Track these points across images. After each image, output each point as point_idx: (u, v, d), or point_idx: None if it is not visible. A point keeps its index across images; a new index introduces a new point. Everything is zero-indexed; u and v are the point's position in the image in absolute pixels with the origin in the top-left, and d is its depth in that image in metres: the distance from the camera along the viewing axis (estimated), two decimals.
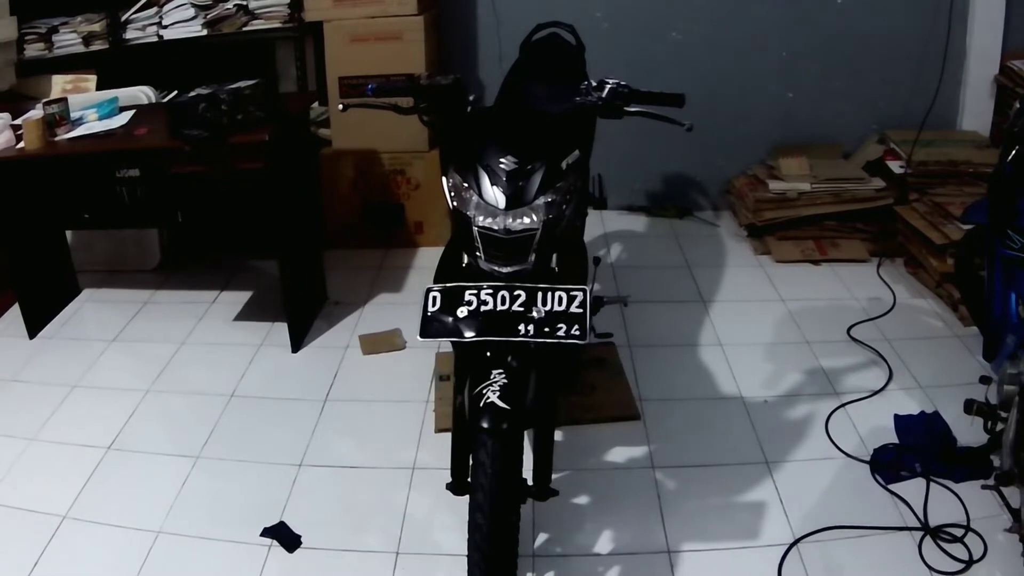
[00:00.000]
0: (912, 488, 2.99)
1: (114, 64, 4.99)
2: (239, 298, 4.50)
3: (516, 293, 2.21)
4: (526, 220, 2.27)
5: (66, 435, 3.45)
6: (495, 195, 2.29)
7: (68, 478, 3.19)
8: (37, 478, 3.22)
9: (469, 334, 2.20)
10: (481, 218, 2.28)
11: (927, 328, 4.07)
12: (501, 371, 2.23)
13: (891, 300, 4.30)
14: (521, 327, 2.19)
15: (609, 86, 2.54)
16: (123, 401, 3.66)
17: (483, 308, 2.21)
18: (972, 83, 5.11)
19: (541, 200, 2.30)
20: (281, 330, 4.03)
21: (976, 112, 5.14)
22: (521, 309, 2.20)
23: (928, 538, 2.76)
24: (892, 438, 3.25)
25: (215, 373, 3.83)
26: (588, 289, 2.24)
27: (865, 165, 5.01)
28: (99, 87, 4.79)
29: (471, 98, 2.68)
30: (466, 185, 2.35)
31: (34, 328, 4.26)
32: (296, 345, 4.00)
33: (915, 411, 3.40)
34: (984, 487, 2.83)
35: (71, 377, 3.86)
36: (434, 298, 2.24)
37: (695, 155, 5.26)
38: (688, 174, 5.50)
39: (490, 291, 2.22)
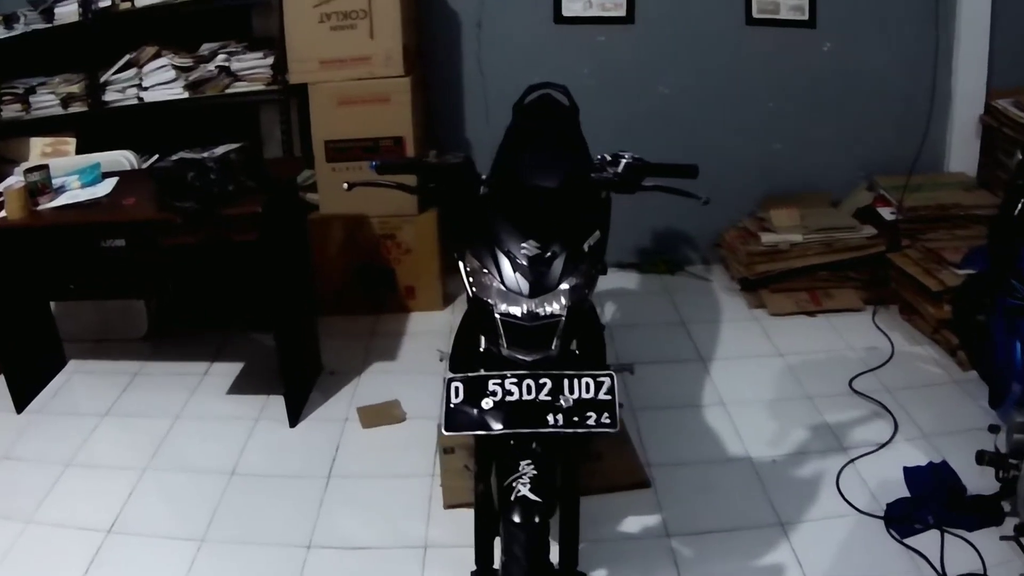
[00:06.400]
0: (927, 540, 2.99)
1: (93, 126, 4.92)
2: (231, 369, 4.40)
3: (542, 382, 2.17)
4: (550, 307, 2.23)
5: (64, 517, 3.35)
6: (518, 282, 2.26)
7: (69, 564, 3.09)
8: (37, 563, 3.12)
9: (497, 426, 2.16)
10: (504, 305, 2.25)
11: (927, 376, 4.09)
12: (529, 461, 2.18)
13: (889, 349, 4.31)
14: (550, 417, 2.15)
15: (624, 160, 2.52)
16: (121, 479, 3.56)
17: (508, 398, 2.17)
18: (958, 124, 5.14)
19: (565, 285, 2.26)
20: (277, 403, 3.94)
21: (963, 153, 5.17)
22: (548, 398, 2.16)
23: None
24: (903, 491, 3.26)
25: (213, 449, 3.74)
26: (614, 374, 2.20)
27: (855, 212, 5.02)
28: (79, 150, 4.73)
29: (483, 177, 2.64)
30: (485, 271, 2.31)
31: (21, 402, 4.15)
32: (294, 419, 3.91)
33: (923, 462, 3.40)
34: (1003, 539, 2.84)
35: (64, 454, 3.75)
36: (456, 389, 2.20)
37: (684, 209, 5.06)
38: (677, 228, 5.49)
39: (515, 380, 2.18)
